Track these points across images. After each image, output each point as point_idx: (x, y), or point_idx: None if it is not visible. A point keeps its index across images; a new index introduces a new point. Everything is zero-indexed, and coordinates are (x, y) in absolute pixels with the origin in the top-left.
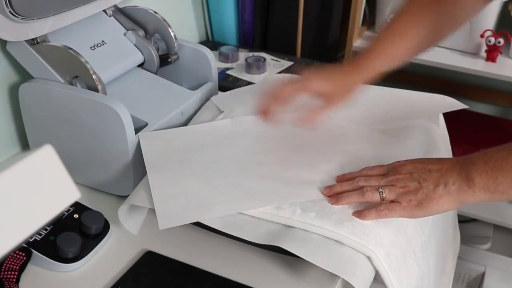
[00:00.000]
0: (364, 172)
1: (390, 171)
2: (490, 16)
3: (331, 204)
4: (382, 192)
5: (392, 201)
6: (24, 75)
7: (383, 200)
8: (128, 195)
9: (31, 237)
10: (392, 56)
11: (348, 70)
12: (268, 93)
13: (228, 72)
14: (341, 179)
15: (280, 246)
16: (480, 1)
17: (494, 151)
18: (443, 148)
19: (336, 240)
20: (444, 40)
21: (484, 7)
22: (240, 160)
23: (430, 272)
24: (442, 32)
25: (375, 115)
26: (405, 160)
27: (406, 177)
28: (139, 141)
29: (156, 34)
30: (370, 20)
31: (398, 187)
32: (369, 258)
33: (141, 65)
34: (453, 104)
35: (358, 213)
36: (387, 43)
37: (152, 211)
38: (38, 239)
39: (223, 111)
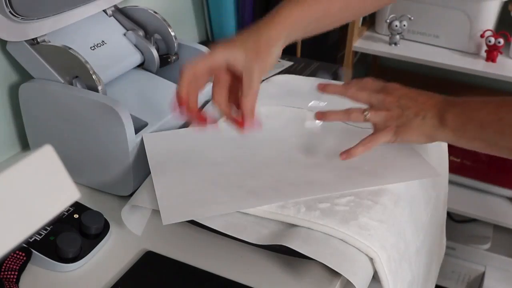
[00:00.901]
0: (363, 82)
1: (383, 89)
2: (490, 16)
3: (317, 118)
4: (367, 114)
5: (373, 128)
6: (24, 75)
7: (366, 121)
8: (128, 195)
9: (31, 237)
10: (320, 12)
11: (261, 26)
12: (179, 80)
13: None
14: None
15: (283, 244)
16: None
17: (474, 101)
18: (441, 150)
19: (340, 239)
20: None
21: None
22: (244, 160)
23: (419, 278)
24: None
25: None
26: (401, 86)
27: (393, 101)
28: (139, 141)
29: (156, 34)
30: (370, 20)
31: (382, 111)
32: (371, 259)
33: (141, 65)
34: None
35: (346, 153)
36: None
37: (153, 211)
38: (38, 239)
39: None
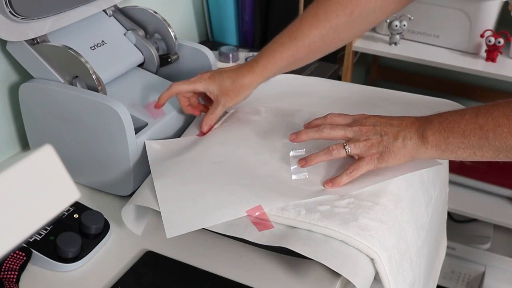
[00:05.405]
0: (329, 118)
1: (355, 122)
2: (490, 16)
3: (301, 166)
4: (348, 149)
5: (357, 156)
6: (24, 75)
7: (348, 155)
8: (128, 195)
9: (31, 237)
10: (290, 59)
11: (240, 72)
12: (165, 91)
13: None
14: (307, 126)
15: (284, 246)
16: (394, 4)
17: (450, 113)
18: None
19: (340, 240)
20: (348, 40)
21: (398, 10)
22: (244, 160)
23: (420, 278)
24: (345, 33)
25: None
26: (369, 114)
27: (369, 129)
28: (139, 141)
29: (156, 34)
30: None
31: (361, 141)
32: (372, 260)
33: (141, 65)
34: (457, 107)
35: (332, 182)
36: (285, 46)
37: (153, 211)
38: (38, 239)
39: (228, 111)
